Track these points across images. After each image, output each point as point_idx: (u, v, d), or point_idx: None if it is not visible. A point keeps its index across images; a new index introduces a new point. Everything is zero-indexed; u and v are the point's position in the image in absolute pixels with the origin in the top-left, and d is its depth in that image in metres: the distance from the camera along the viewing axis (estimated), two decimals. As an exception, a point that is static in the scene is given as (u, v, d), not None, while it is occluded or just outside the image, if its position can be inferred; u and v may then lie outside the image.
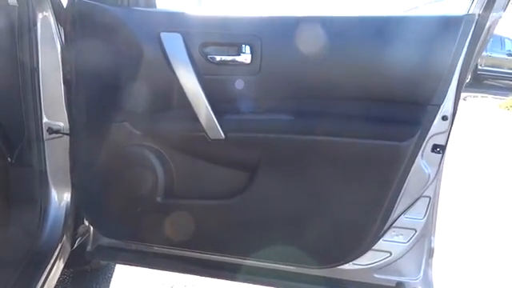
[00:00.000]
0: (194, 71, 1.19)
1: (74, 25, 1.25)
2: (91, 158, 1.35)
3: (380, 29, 1.16)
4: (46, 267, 1.35)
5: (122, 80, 1.25)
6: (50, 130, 1.39)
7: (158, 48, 1.18)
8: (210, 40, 1.20)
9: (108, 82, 1.27)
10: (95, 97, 1.30)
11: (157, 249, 1.47)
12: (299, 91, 1.24)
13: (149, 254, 1.49)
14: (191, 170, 1.35)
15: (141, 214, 1.37)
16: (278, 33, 1.18)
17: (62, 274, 1.63)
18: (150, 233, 1.40)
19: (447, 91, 1.16)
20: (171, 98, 1.24)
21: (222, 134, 1.25)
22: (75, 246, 1.56)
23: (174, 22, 1.20)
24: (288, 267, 1.39)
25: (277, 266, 1.39)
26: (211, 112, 1.22)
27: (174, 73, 1.19)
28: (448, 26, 1.14)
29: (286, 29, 1.18)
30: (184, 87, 1.21)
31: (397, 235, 1.31)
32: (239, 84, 1.23)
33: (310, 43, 1.17)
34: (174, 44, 1.18)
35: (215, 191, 1.34)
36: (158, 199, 1.35)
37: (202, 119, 1.23)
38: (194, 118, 1.23)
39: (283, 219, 1.31)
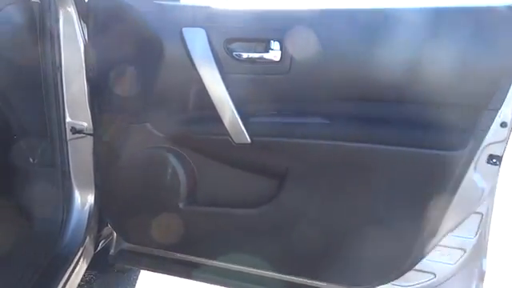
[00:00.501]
0: (217, 69, 1.10)
1: (96, 21, 1.20)
2: (113, 159, 1.30)
3: (431, 21, 1.01)
4: (67, 269, 1.31)
5: (142, 79, 1.18)
6: (73, 130, 1.35)
7: (180, 44, 1.10)
8: (236, 35, 1.10)
9: (129, 81, 1.21)
10: (117, 96, 1.24)
11: (180, 256, 1.40)
12: (334, 92, 1.12)
13: (172, 261, 1.42)
14: (215, 176, 1.26)
15: (162, 220, 1.30)
16: (311, 27, 1.06)
17: (87, 274, 1.60)
18: (171, 240, 1.33)
19: (507, 94, 1.00)
20: (194, 98, 1.15)
21: (248, 138, 1.15)
22: (99, 248, 1.52)
23: (198, 16, 1.11)
24: (319, 284, 1.27)
25: (306, 282, 1.28)
26: (236, 114, 1.13)
27: (196, 71, 1.10)
28: (509, 17, 0.98)
29: (320, 22, 1.06)
30: (207, 87, 1.12)
31: (443, 255, 1.16)
32: (267, 83, 1.13)
33: (346, 38, 1.05)
34: (196, 40, 1.09)
35: (240, 199, 1.25)
36: (180, 205, 1.28)
37: (226, 121, 1.14)
38: (218, 120, 1.14)
39: (315, 234, 1.20)
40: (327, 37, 1.05)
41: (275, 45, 1.08)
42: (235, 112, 1.13)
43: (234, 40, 1.11)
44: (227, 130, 1.15)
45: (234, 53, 1.11)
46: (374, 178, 1.13)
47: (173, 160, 1.25)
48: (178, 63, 1.11)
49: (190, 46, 1.09)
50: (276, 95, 1.14)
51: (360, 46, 1.06)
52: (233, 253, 1.30)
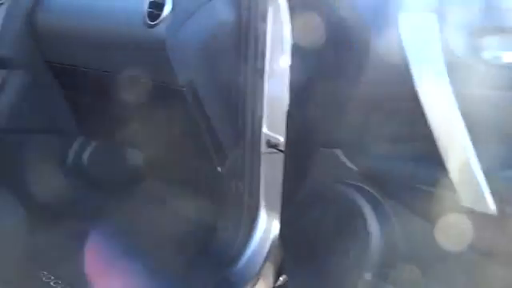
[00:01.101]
0: (448, 80, 0.66)
1: (301, 17, 0.97)
2: (297, 186, 1.06)
3: None
4: None
5: (340, 88, 0.87)
6: (269, 143, 1.18)
7: (392, 39, 0.72)
8: (493, 24, 0.63)
9: (327, 90, 0.92)
10: (313, 109, 0.99)
11: None
12: None
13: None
14: (430, 250, 0.81)
15: (338, 284, 0.95)
16: None
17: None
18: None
19: None
20: (404, 121, 0.76)
21: (493, 207, 0.65)
22: (279, 282, 1.31)
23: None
24: None
25: None
26: (472, 158, 0.65)
27: (412, 80, 0.70)
28: None
29: None
30: (426, 107, 0.69)
31: None
32: None
33: None
34: (420, 31, 0.68)
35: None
36: (367, 276, 0.89)
37: (453, 169, 0.68)
38: (439, 162, 0.70)
39: None
40: None
41: None
42: (471, 154, 0.66)
43: (488, 31, 0.64)
44: (453, 184, 0.69)
45: (487, 52, 0.64)
46: None
47: (365, 208, 0.89)
48: (387, 67, 0.74)
49: (406, 41, 0.70)
50: None
51: None
52: None
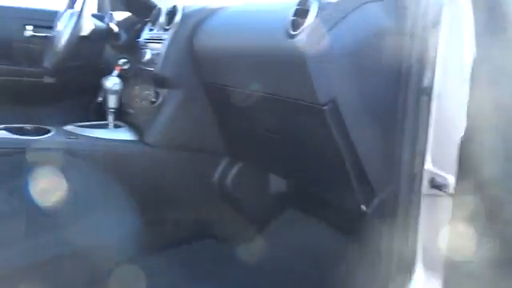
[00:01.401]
0: None
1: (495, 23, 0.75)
2: (469, 244, 0.80)
3: None
4: None
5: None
6: (432, 183, 0.95)
7: None
8: None
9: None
10: (495, 145, 0.74)
11: None
12: None
13: None
14: None
15: None
16: None
17: None
18: None
19: None
20: None
21: None
22: None
23: None
24: None
25: None
26: None
27: None
28: None
29: None
30: None
31: None
32: None
33: None
34: None
35: None
36: None
37: None
38: None
39: None
40: None
41: None
42: None
43: None
44: None
45: None
46: None
47: None
48: None
49: None
50: None
51: None
52: None
